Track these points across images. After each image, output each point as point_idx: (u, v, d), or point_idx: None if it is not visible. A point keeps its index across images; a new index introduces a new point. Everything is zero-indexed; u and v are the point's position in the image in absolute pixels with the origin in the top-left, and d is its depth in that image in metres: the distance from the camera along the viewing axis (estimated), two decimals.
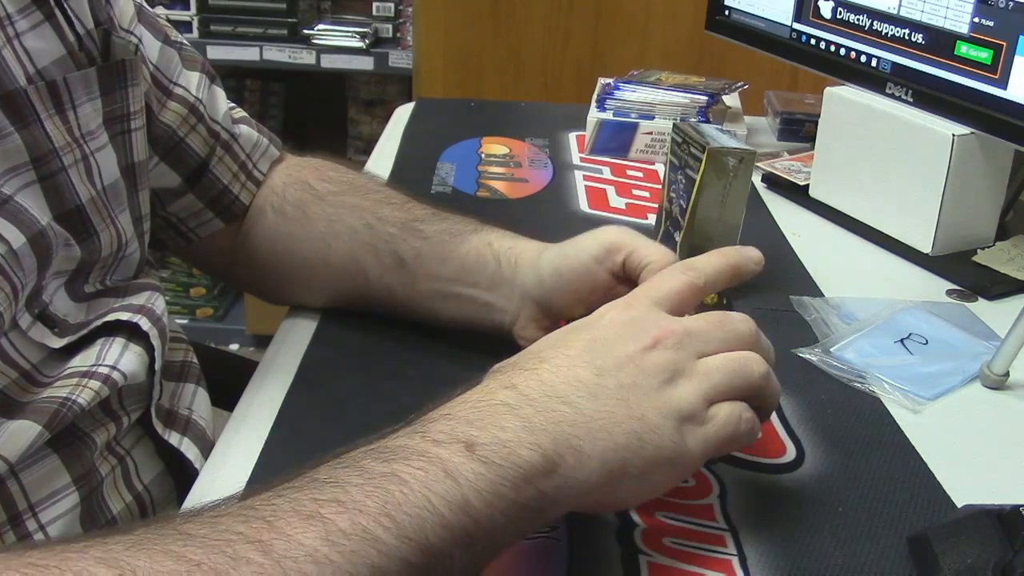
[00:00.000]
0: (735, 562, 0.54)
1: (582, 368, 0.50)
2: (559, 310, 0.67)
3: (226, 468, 0.61)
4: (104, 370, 0.61)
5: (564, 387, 0.49)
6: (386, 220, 0.74)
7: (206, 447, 0.71)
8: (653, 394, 0.49)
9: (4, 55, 0.56)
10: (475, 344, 0.73)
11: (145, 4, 0.73)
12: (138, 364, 0.64)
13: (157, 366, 0.66)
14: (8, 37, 0.57)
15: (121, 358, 0.62)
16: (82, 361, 0.61)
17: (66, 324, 0.61)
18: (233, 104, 0.81)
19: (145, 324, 0.64)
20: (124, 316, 0.64)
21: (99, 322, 0.63)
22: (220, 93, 0.78)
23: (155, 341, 0.65)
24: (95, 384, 0.60)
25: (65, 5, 0.61)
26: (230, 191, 0.77)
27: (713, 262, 0.57)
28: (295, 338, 0.75)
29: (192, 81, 0.75)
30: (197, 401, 0.74)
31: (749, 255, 0.58)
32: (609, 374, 0.49)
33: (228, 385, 0.75)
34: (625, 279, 0.64)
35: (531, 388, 0.48)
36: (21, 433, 0.56)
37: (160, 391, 0.68)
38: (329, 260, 0.75)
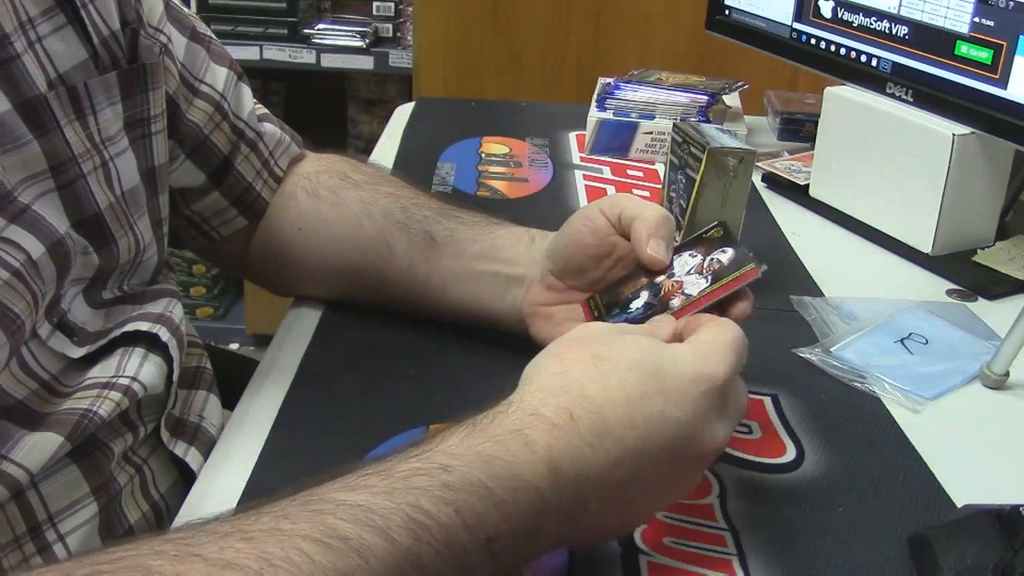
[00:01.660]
0: (735, 562, 0.54)
1: (621, 470, 0.48)
2: (565, 261, 0.67)
3: (226, 468, 0.61)
4: (124, 381, 0.61)
5: (595, 486, 0.47)
6: (423, 205, 0.75)
7: None
8: (670, 491, 0.52)
9: (25, 61, 0.55)
10: (476, 344, 0.73)
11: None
12: (157, 375, 0.63)
13: (175, 376, 0.65)
14: (30, 41, 0.56)
15: (141, 369, 0.62)
16: (102, 372, 0.61)
17: (84, 332, 0.61)
18: (256, 101, 0.81)
19: (164, 335, 0.64)
20: (143, 326, 0.63)
21: (118, 332, 0.62)
22: (247, 91, 0.78)
23: (174, 352, 0.64)
24: (116, 395, 0.60)
25: (91, 6, 0.60)
26: (253, 188, 0.78)
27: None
28: (296, 337, 0.75)
29: (219, 78, 0.75)
30: (208, 408, 0.74)
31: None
32: (641, 478, 0.49)
33: (229, 384, 0.75)
34: (622, 232, 0.64)
35: (565, 486, 0.46)
36: (44, 445, 0.55)
37: (174, 401, 0.68)
38: (358, 237, 0.75)
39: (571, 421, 0.47)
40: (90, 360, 0.61)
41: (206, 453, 0.70)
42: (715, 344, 0.52)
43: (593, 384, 0.48)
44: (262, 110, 0.80)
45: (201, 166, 0.75)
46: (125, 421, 0.63)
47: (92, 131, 0.59)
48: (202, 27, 0.75)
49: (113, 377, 0.61)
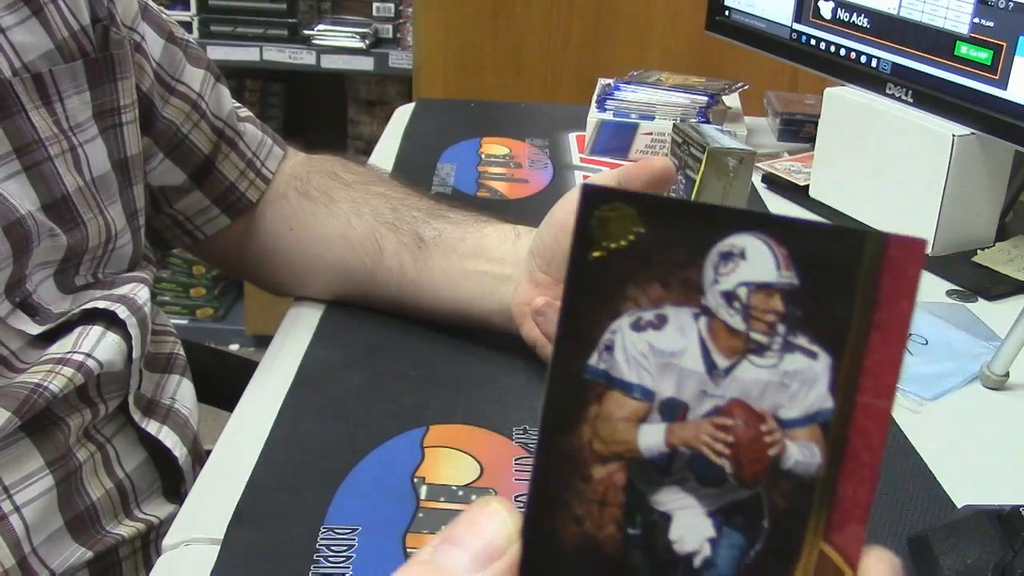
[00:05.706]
0: None
1: None
2: (552, 250, 0.65)
3: (226, 468, 0.61)
4: (79, 357, 0.61)
5: None
6: (412, 206, 0.76)
7: (187, 435, 0.71)
8: None
9: None
10: (476, 344, 0.73)
11: (151, 2, 0.73)
12: (116, 352, 0.64)
13: (135, 355, 0.65)
14: None
15: (98, 346, 0.62)
16: (59, 348, 0.61)
17: (48, 313, 0.62)
18: (238, 103, 0.81)
19: (123, 312, 0.64)
20: (102, 304, 0.64)
21: (78, 310, 0.63)
22: (225, 91, 0.79)
23: (133, 330, 0.65)
24: (68, 371, 0.60)
25: (59, 1, 0.61)
26: (237, 188, 0.78)
27: None
28: (296, 337, 0.75)
29: (196, 78, 0.75)
30: (181, 391, 0.74)
31: None
32: None
33: (228, 385, 0.75)
34: None
35: None
36: None
37: (140, 380, 0.68)
38: (349, 237, 0.75)
39: None
40: (50, 338, 0.62)
41: (180, 432, 0.70)
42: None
43: None
44: (244, 112, 0.81)
45: (181, 165, 0.75)
46: (83, 398, 0.63)
47: (59, 117, 0.61)
48: (179, 31, 0.76)
49: (68, 353, 0.61)
